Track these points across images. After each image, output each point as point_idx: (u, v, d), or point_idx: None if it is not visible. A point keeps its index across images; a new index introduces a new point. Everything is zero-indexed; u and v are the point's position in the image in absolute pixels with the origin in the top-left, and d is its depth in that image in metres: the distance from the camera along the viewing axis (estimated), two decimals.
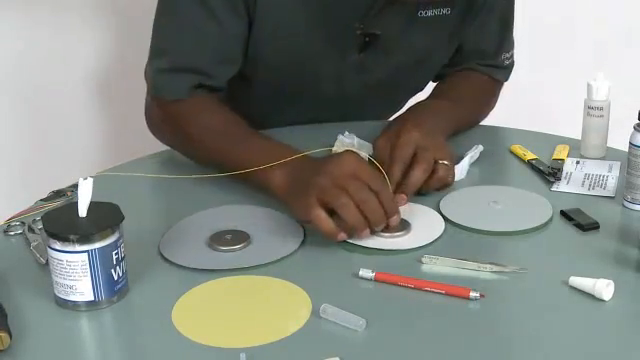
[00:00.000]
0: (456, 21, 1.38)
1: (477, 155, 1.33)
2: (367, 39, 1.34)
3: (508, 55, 1.48)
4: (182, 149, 1.33)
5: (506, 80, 1.51)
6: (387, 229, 1.09)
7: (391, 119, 1.41)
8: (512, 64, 1.50)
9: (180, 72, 1.30)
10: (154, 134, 1.38)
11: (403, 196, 1.15)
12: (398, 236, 1.10)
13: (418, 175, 1.17)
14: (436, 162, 1.20)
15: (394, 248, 1.08)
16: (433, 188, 1.21)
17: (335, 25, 1.32)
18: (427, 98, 1.40)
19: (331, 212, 1.06)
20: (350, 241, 1.08)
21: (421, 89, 1.52)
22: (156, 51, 1.33)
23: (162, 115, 1.33)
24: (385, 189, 1.08)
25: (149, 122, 1.39)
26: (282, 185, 1.14)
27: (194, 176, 1.22)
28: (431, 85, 1.50)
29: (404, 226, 1.11)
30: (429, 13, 1.34)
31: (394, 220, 1.08)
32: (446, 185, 1.22)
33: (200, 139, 1.27)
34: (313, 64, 1.37)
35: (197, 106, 1.30)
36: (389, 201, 1.08)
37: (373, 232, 1.08)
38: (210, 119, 1.29)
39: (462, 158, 1.28)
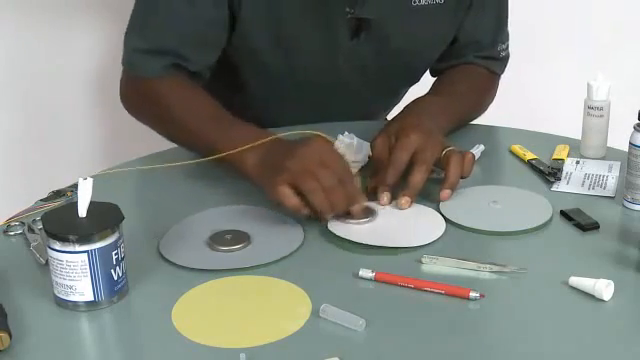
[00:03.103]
0: (450, 11, 1.38)
1: (479, 154, 1.33)
2: (359, 24, 1.35)
3: (504, 46, 1.48)
4: (155, 125, 1.33)
5: (502, 72, 1.51)
6: (352, 216, 1.12)
7: (389, 117, 1.40)
8: (508, 56, 1.50)
9: (154, 53, 1.30)
10: (127, 109, 1.37)
11: (407, 199, 1.16)
12: (363, 222, 1.13)
13: (418, 176, 1.17)
14: (438, 160, 1.19)
15: (395, 246, 1.08)
16: (459, 174, 1.19)
17: (325, 9, 1.33)
18: (426, 94, 1.40)
19: (298, 195, 1.09)
20: (351, 240, 1.09)
21: (417, 80, 1.52)
22: (133, 28, 1.33)
23: (135, 90, 1.34)
24: (350, 178, 1.12)
25: (123, 97, 1.38)
26: (255, 167, 1.16)
27: (179, 163, 1.21)
28: (429, 79, 1.50)
29: (369, 213, 1.14)
30: (422, 2, 1.35)
31: (356, 208, 1.12)
32: (468, 164, 1.20)
33: (172, 114, 1.28)
34: (304, 50, 1.37)
35: (171, 83, 1.30)
36: (353, 189, 1.12)
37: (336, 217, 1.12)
38: (184, 95, 1.30)
39: None
